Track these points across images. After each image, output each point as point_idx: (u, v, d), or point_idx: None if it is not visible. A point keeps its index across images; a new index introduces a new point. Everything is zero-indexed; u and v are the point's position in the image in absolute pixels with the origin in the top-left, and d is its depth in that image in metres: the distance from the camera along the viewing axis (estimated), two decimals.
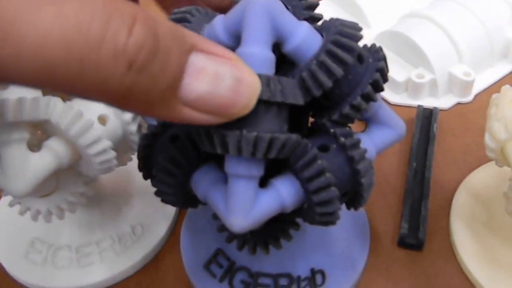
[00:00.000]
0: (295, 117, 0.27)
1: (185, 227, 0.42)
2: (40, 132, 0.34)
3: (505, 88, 0.34)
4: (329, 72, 0.25)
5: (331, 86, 0.25)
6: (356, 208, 0.30)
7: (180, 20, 0.28)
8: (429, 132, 0.49)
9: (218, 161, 0.28)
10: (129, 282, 0.40)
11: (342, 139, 0.27)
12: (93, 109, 0.34)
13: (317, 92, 0.25)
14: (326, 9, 0.64)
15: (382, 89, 0.27)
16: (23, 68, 0.16)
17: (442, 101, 0.54)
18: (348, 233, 0.40)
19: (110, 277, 0.40)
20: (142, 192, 0.44)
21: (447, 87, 0.54)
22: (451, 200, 0.43)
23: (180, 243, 0.41)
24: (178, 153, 0.27)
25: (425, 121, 0.50)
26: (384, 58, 0.28)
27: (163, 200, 0.31)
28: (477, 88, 0.55)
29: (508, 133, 0.32)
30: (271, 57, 0.24)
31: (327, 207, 0.26)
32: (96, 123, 0.34)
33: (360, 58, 0.27)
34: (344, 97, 0.27)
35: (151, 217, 0.43)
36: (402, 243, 0.41)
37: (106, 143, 0.32)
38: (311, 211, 0.27)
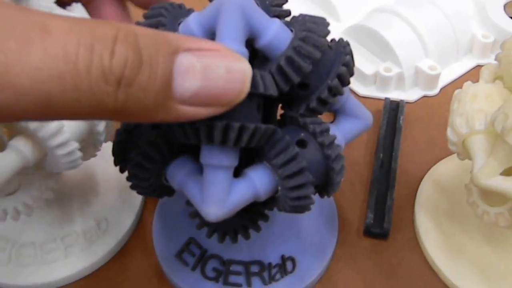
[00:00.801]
0: (265, 110, 0.28)
1: (157, 217, 0.42)
2: (6, 130, 0.34)
3: (467, 84, 0.35)
4: (297, 67, 0.26)
5: (299, 81, 0.27)
6: (329, 195, 0.31)
7: (157, 24, 0.28)
8: (396, 124, 0.50)
9: (193, 153, 0.29)
10: (96, 276, 0.41)
11: (312, 126, 0.28)
12: None
13: (285, 87, 0.27)
14: (297, 3, 0.65)
15: (348, 83, 0.29)
16: (24, 106, 0.18)
17: (409, 94, 0.55)
18: (317, 221, 0.42)
19: (75, 273, 0.40)
20: (106, 187, 0.45)
21: (413, 81, 0.55)
22: (416, 191, 0.45)
23: (148, 234, 0.42)
24: (151, 147, 0.28)
25: (392, 113, 0.52)
26: (350, 53, 0.29)
27: (138, 192, 0.31)
28: (443, 81, 0.56)
29: (469, 128, 0.33)
30: (244, 52, 0.25)
31: (301, 191, 0.28)
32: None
33: (327, 54, 0.28)
34: (312, 90, 0.28)
35: (116, 211, 0.43)
36: (368, 233, 0.42)
37: (72, 143, 0.33)
38: (284, 198, 0.28)
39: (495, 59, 0.35)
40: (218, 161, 0.26)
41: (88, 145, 0.36)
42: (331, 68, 0.28)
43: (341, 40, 0.30)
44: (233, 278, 0.38)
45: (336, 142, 0.29)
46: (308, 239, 0.40)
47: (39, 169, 0.36)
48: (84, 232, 0.42)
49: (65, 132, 0.32)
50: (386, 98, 0.53)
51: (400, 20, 0.55)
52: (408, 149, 0.49)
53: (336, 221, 0.42)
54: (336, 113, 0.32)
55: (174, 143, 0.29)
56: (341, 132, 0.31)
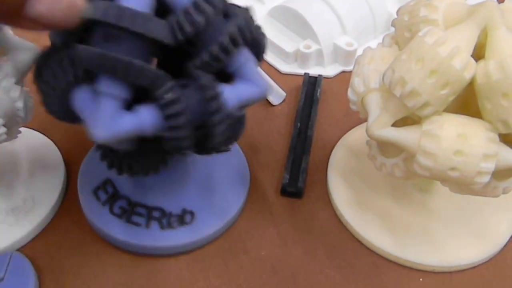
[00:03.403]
0: (165, 62, 0.33)
1: (87, 159, 0.46)
2: None
3: (367, 49, 0.39)
4: (192, 20, 0.29)
5: (193, 34, 0.30)
6: (208, 151, 0.35)
7: None
8: (313, 96, 0.54)
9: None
10: (31, 247, 0.42)
11: (201, 78, 0.31)
12: None
13: (181, 37, 0.30)
14: None
15: (238, 44, 0.31)
16: None
17: (328, 70, 0.59)
18: (227, 182, 0.45)
19: (6, 246, 0.41)
20: (30, 167, 0.47)
21: (332, 57, 0.59)
22: (330, 155, 0.48)
23: (73, 208, 0.44)
24: (58, 67, 0.31)
25: (310, 87, 0.55)
26: (247, 19, 0.32)
27: (51, 114, 0.35)
28: None
29: (365, 87, 0.36)
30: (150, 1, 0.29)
31: (177, 132, 0.31)
32: None
33: (225, 15, 0.31)
34: (207, 46, 0.31)
35: (40, 189, 0.45)
36: (284, 192, 0.45)
37: None
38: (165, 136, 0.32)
39: (391, 25, 0.39)
40: (109, 90, 0.30)
41: (11, 121, 0.38)
42: (226, 29, 0.31)
43: (245, 8, 0.33)
44: (135, 218, 0.42)
45: (223, 98, 0.31)
46: (213, 198, 0.44)
47: None
48: (12, 209, 0.43)
49: None
50: (305, 73, 0.56)
51: (320, 0, 0.58)
52: (325, 120, 0.53)
53: (248, 182, 0.46)
54: (234, 76, 0.34)
55: (77, 67, 0.31)
56: (234, 92, 0.33)
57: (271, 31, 0.61)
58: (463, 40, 0.31)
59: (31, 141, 0.49)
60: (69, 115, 0.34)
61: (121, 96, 0.30)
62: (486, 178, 0.31)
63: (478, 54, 0.32)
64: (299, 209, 0.45)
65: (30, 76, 0.35)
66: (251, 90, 0.33)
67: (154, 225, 0.41)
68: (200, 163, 0.45)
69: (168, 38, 0.29)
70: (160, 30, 0.29)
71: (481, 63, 0.31)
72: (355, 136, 0.49)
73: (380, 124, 0.34)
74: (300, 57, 0.58)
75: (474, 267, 0.40)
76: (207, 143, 0.34)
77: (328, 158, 0.48)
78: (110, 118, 0.30)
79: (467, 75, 0.30)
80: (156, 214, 0.42)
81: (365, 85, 0.36)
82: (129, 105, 0.31)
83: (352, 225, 0.42)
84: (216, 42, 0.30)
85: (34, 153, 0.48)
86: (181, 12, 0.29)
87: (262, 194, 0.45)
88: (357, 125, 0.51)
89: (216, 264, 0.41)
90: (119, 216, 0.42)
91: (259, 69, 0.34)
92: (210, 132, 0.32)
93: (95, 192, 0.43)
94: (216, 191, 0.44)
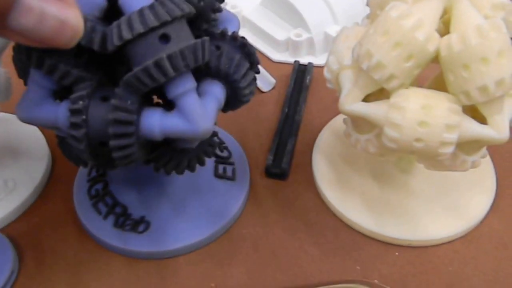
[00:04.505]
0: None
1: None
2: None
3: (343, 28, 0.39)
4: (120, 35, 0.28)
5: (120, 47, 0.29)
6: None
7: None
8: (303, 83, 0.55)
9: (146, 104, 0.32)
10: (12, 227, 0.44)
11: (113, 98, 0.30)
12: None
13: (110, 47, 0.29)
14: None
15: (167, 73, 0.29)
16: None
17: (320, 59, 0.60)
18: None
19: None
20: (12, 151, 0.48)
21: (323, 46, 0.60)
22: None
23: (60, 188, 0.46)
24: (122, 101, 0.30)
25: (300, 74, 0.56)
26: (200, 54, 0.30)
27: (121, 163, 0.33)
28: None
29: (339, 64, 0.37)
30: (101, 3, 0.30)
31: (75, 142, 0.30)
32: None
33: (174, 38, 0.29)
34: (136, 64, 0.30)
35: (23, 172, 0.46)
36: (268, 173, 0.46)
37: None
38: (238, 99, 0.35)
39: (366, 5, 0.40)
40: (184, 87, 0.30)
41: None
42: (157, 51, 0.29)
43: (230, 36, 0.34)
44: (100, 205, 0.43)
45: (143, 122, 0.30)
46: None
47: None
48: None
49: None
50: (295, 61, 0.57)
51: None
52: (314, 106, 0.54)
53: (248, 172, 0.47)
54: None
55: (134, 97, 0.30)
56: (160, 119, 0.31)
57: (263, 21, 0.62)
58: (426, 13, 0.32)
59: (15, 126, 0.50)
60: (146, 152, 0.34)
61: (195, 85, 0.30)
62: (449, 149, 0.32)
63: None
64: (283, 190, 0.45)
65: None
66: (181, 125, 0.30)
67: (110, 219, 0.42)
68: None
69: (96, 45, 0.29)
70: (86, 35, 0.28)
71: (445, 36, 0.32)
72: (341, 121, 0.50)
73: (350, 98, 0.35)
74: (291, 45, 0.59)
75: (449, 242, 0.40)
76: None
77: (314, 142, 0.49)
78: (202, 108, 0.30)
79: (431, 47, 0.31)
80: (118, 209, 0.43)
81: (339, 62, 0.37)
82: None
83: (333, 204, 0.43)
84: (142, 64, 0.28)
85: (17, 138, 0.49)
86: (116, 23, 0.28)
87: (247, 176, 0.46)
88: None
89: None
90: (90, 197, 0.43)
91: (210, 104, 0.32)
92: (111, 151, 0.31)
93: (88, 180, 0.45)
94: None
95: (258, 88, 0.55)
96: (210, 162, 0.45)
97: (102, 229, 0.42)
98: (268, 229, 0.42)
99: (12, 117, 0.49)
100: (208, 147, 0.37)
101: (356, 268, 0.40)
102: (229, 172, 0.45)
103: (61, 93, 0.31)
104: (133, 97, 0.30)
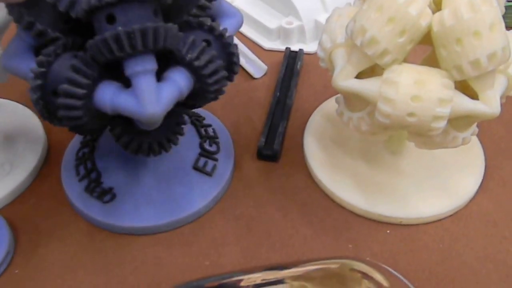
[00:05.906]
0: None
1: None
2: None
3: (335, 8, 0.40)
4: (88, 1, 0.29)
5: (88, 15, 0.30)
6: (231, 79, 0.37)
7: None
8: (294, 69, 0.55)
9: (111, 77, 0.32)
10: (9, 209, 0.44)
11: (217, 30, 0.33)
12: None
13: (79, 13, 0.30)
14: None
15: (124, 49, 0.30)
16: None
17: (310, 46, 0.60)
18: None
19: None
20: (9, 135, 0.48)
21: (314, 34, 0.60)
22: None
23: (55, 176, 0.46)
24: (82, 64, 0.31)
25: (291, 60, 0.57)
26: (162, 36, 0.31)
27: (74, 129, 0.35)
28: None
29: (332, 42, 0.38)
30: None
31: (219, 84, 0.34)
32: None
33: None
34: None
35: (20, 155, 0.46)
36: (260, 155, 0.46)
37: None
38: (204, 91, 0.34)
39: None
40: (143, 66, 0.30)
41: None
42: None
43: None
44: (81, 168, 0.44)
45: (97, 92, 0.32)
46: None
47: None
48: None
49: None
50: (286, 48, 0.58)
51: None
52: (305, 91, 0.54)
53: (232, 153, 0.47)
54: (216, 17, 0.36)
55: (95, 65, 0.31)
56: (114, 93, 0.32)
57: (255, 9, 0.63)
58: None
59: (12, 112, 0.50)
60: (100, 121, 0.35)
61: (154, 68, 0.31)
62: (442, 123, 0.33)
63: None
64: (275, 172, 0.46)
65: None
66: (130, 104, 0.31)
67: (84, 182, 0.43)
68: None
69: (63, 6, 0.30)
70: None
71: (437, 12, 0.32)
72: (332, 104, 0.51)
73: (344, 75, 0.35)
74: (282, 33, 0.60)
75: (439, 220, 0.41)
76: (231, 73, 0.37)
77: (306, 125, 0.49)
78: (156, 92, 0.31)
79: (423, 22, 0.32)
80: (93, 175, 0.43)
81: (332, 40, 0.37)
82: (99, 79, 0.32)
83: (325, 184, 0.44)
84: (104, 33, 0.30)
85: (14, 122, 0.49)
86: None
87: (241, 159, 0.47)
88: (335, 94, 0.52)
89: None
90: (76, 159, 0.45)
91: (163, 88, 0.33)
92: (233, 65, 0.36)
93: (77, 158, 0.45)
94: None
95: (250, 75, 0.56)
96: (194, 153, 0.45)
97: (74, 190, 0.43)
98: (262, 210, 0.43)
99: (8, 102, 0.50)
100: (172, 134, 0.37)
101: (348, 246, 0.40)
102: (208, 168, 0.45)
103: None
104: (94, 65, 0.31)
